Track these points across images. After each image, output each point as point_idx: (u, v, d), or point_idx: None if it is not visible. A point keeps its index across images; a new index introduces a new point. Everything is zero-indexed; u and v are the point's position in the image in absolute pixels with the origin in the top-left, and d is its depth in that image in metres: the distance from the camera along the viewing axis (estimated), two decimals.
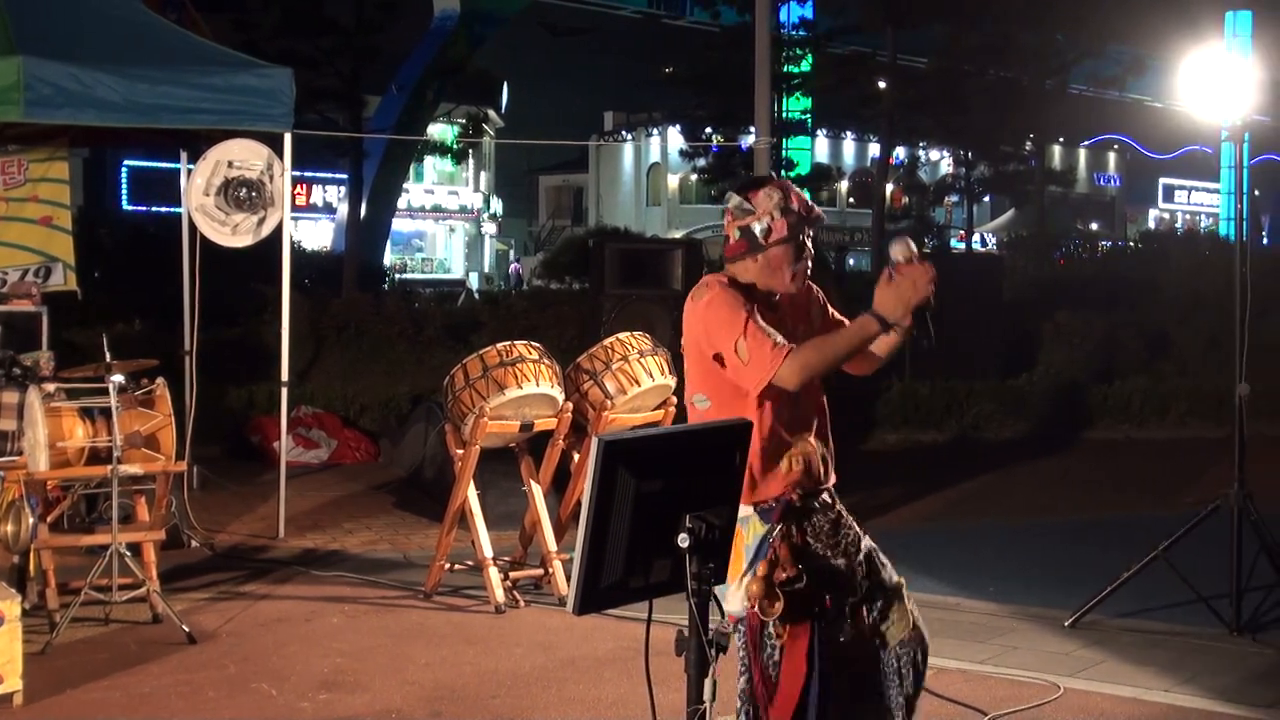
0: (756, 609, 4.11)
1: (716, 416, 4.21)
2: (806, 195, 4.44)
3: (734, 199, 4.33)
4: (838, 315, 4.48)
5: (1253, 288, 7.50)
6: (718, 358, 4.17)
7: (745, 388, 4.17)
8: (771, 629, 4.14)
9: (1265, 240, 46.25)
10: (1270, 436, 13.75)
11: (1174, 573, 7.46)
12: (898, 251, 4.25)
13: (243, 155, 9.77)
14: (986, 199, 45.86)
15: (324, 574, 8.84)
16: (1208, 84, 7.86)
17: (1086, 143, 63.46)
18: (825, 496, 4.37)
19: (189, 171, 10.05)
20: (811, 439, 4.37)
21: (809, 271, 4.37)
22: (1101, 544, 9.53)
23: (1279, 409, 15.46)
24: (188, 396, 10.00)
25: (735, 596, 4.19)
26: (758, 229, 4.26)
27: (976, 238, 43.71)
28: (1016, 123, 33.93)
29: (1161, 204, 72.48)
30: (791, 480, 4.26)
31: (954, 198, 43.83)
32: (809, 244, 4.34)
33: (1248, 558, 7.36)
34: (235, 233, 9.80)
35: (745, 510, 4.16)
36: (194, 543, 9.42)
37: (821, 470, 4.37)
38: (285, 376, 10.16)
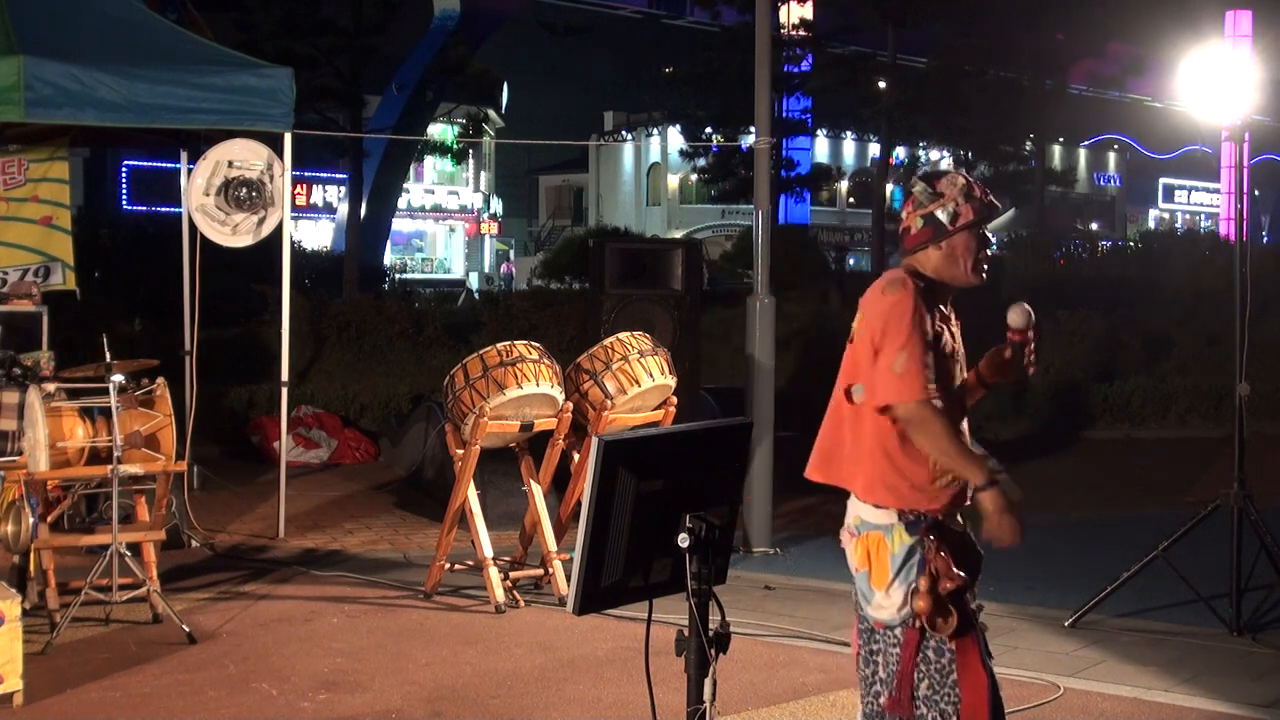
0: (926, 624, 4.01)
1: (872, 412, 4.10)
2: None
3: (919, 185, 4.23)
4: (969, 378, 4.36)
5: (1252, 287, 7.50)
6: (877, 351, 4.05)
7: (871, 394, 4.07)
8: (940, 643, 4.05)
9: (1265, 239, 46.26)
10: (1270, 436, 13.76)
11: (1174, 572, 7.46)
12: (1016, 319, 4.24)
13: (243, 155, 9.77)
14: None
15: (324, 574, 8.83)
16: (1208, 84, 7.86)
17: (1086, 143, 63.48)
18: (960, 518, 4.25)
19: (189, 171, 10.04)
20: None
21: (985, 267, 4.25)
22: (1101, 544, 9.54)
23: (1279, 408, 15.49)
24: (188, 396, 10.00)
25: (886, 605, 4.07)
26: (943, 215, 4.16)
27: None
28: (1016, 122, 33.94)
29: (1161, 204, 72.49)
30: (949, 495, 4.11)
31: None
32: (989, 237, 4.27)
33: (1248, 557, 7.36)
34: (235, 233, 9.80)
35: (887, 516, 4.08)
36: (194, 543, 9.43)
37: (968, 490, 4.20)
38: (285, 376, 10.16)
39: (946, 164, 47.33)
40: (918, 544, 4.05)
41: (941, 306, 4.21)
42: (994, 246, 4.30)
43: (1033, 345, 4.27)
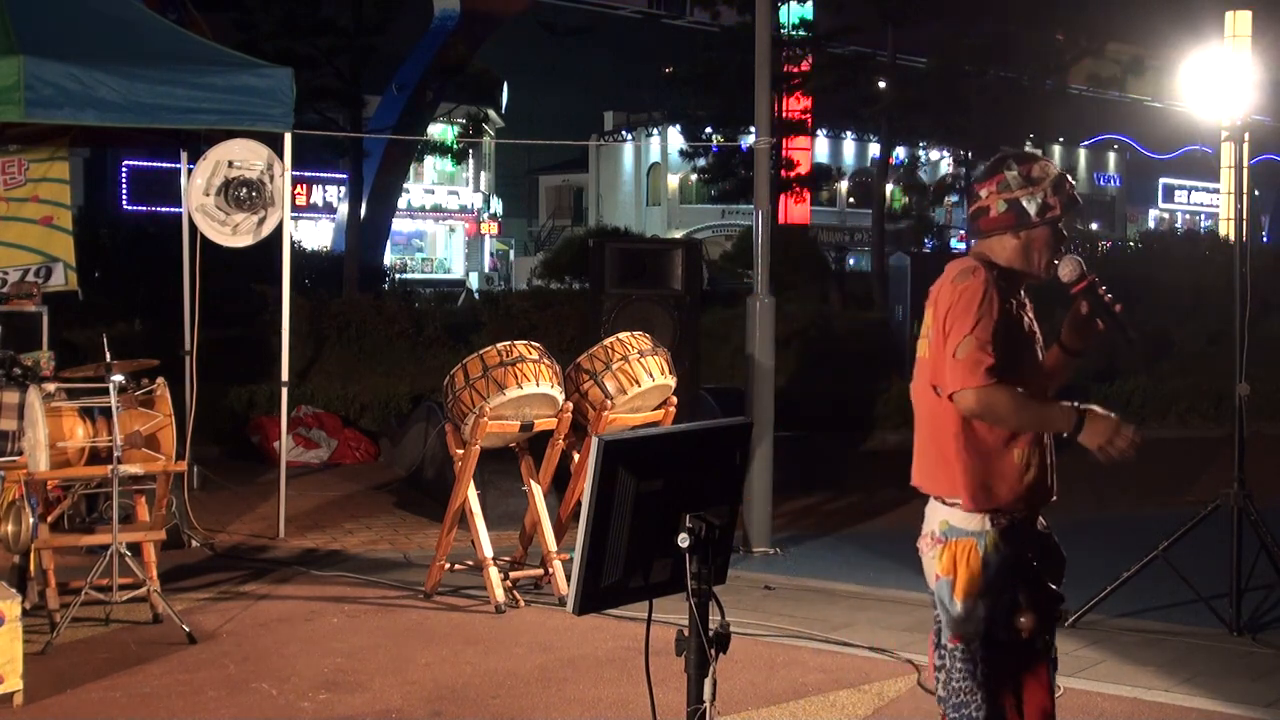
0: (1013, 639, 3.94)
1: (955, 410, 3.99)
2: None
3: (1013, 169, 4.08)
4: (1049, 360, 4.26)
5: (1252, 287, 7.50)
6: (943, 333, 3.96)
7: (939, 384, 3.97)
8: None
9: (1265, 238, 46.25)
10: (1270, 436, 13.77)
11: (1174, 572, 7.46)
12: (1067, 272, 4.10)
13: (243, 155, 9.77)
14: None
15: (324, 574, 8.84)
16: (1208, 84, 7.87)
17: (1086, 143, 63.47)
18: (1041, 518, 4.14)
19: (189, 171, 10.04)
20: (1046, 442, 4.10)
21: (1056, 264, 4.11)
22: (1101, 543, 9.52)
23: (1279, 408, 15.49)
24: (188, 396, 10.00)
25: (971, 618, 3.96)
26: (1030, 205, 4.03)
27: None
28: (1016, 123, 33.89)
29: (1161, 204, 72.46)
30: (1026, 485, 4.00)
31: (954, 198, 43.79)
32: (1065, 234, 4.13)
33: (1248, 557, 7.37)
34: (235, 233, 9.80)
35: (979, 523, 3.96)
36: (194, 543, 9.43)
37: (1052, 482, 4.12)
38: (285, 376, 10.16)
39: (946, 164, 47.41)
40: (1013, 554, 3.94)
41: (1018, 294, 4.10)
42: (1071, 247, 4.15)
43: (1103, 288, 4.14)
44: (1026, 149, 32.48)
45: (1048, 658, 4.08)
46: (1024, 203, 4.04)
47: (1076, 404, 3.94)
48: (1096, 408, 3.93)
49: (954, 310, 3.93)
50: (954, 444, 3.98)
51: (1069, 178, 4.13)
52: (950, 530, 3.98)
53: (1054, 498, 4.10)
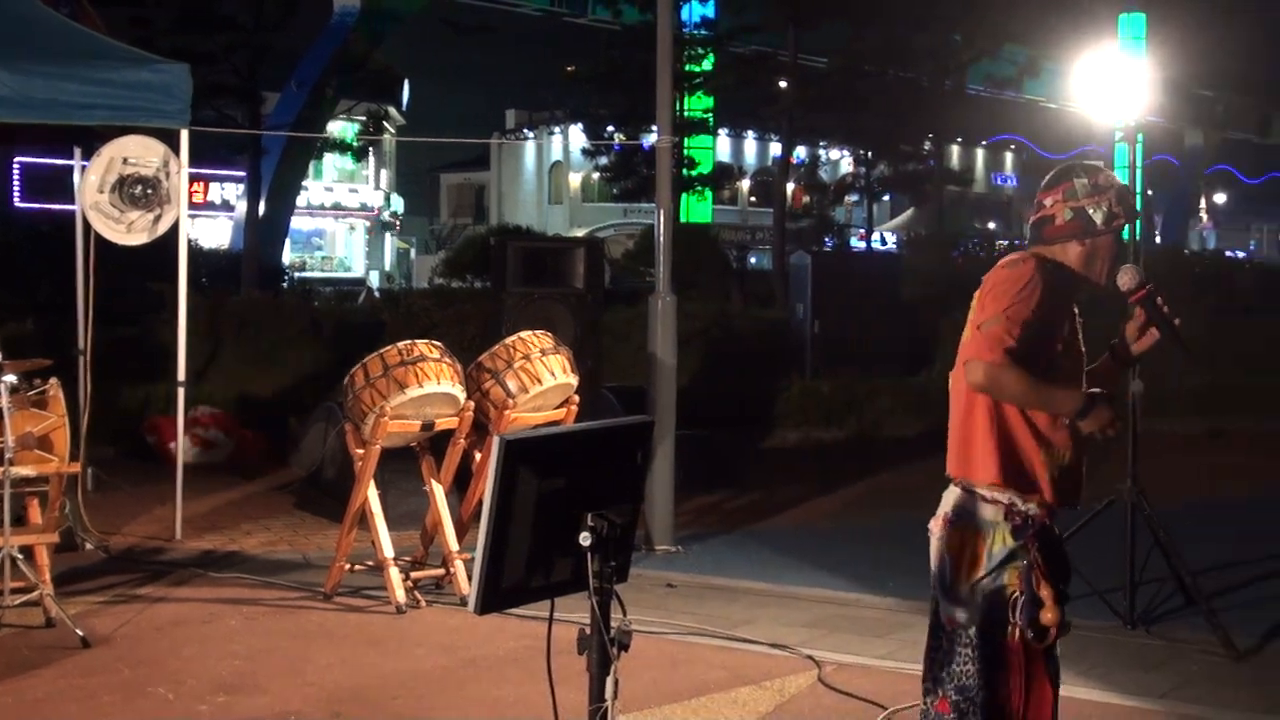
0: (1034, 637, 3.93)
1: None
2: None
3: (1081, 178, 4.09)
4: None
5: None
6: (980, 309, 3.97)
7: (964, 352, 3.99)
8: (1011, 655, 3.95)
9: (1158, 239, 47.08)
10: (1163, 433, 14.00)
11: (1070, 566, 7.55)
12: (1126, 280, 4.15)
13: (138, 152, 9.63)
14: (886, 198, 46.33)
15: (222, 576, 8.74)
16: (1102, 85, 7.99)
17: (984, 142, 64.26)
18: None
19: (83, 168, 9.89)
20: (1076, 440, 4.06)
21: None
22: None
23: (1172, 406, 15.76)
24: (82, 396, 9.83)
25: (968, 603, 3.95)
26: (1097, 214, 4.05)
27: (876, 237, 44.08)
28: (915, 122, 34.24)
29: None
30: (1055, 480, 4.00)
31: (854, 197, 44.18)
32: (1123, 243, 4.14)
33: (1141, 552, 7.48)
34: (130, 230, 9.66)
35: (994, 513, 3.95)
36: (88, 545, 9.28)
37: (1081, 486, 4.11)
38: (182, 376, 10.04)
39: (847, 163, 47.83)
40: (1021, 550, 3.95)
41: (1073, 300, 4.12)
42: (1129, 258, 4.20)
43: (1160, 298, 4.16)
44: (914, 147, 32.60)
45: (1048, 652, 4.09)
46: (1090, 211, 4.08)
47: (1094, 390, 3.98)
48: (1108, 397, 3.97)
49: (995, 290, 3.97)
50: (987, 426, 3.99)
51: (1130, 191, 4.18)
52: (963, 515, 4.00)
53: (1079, 503, 4.13)
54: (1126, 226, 4.16)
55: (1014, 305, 3.91)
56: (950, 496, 4.06)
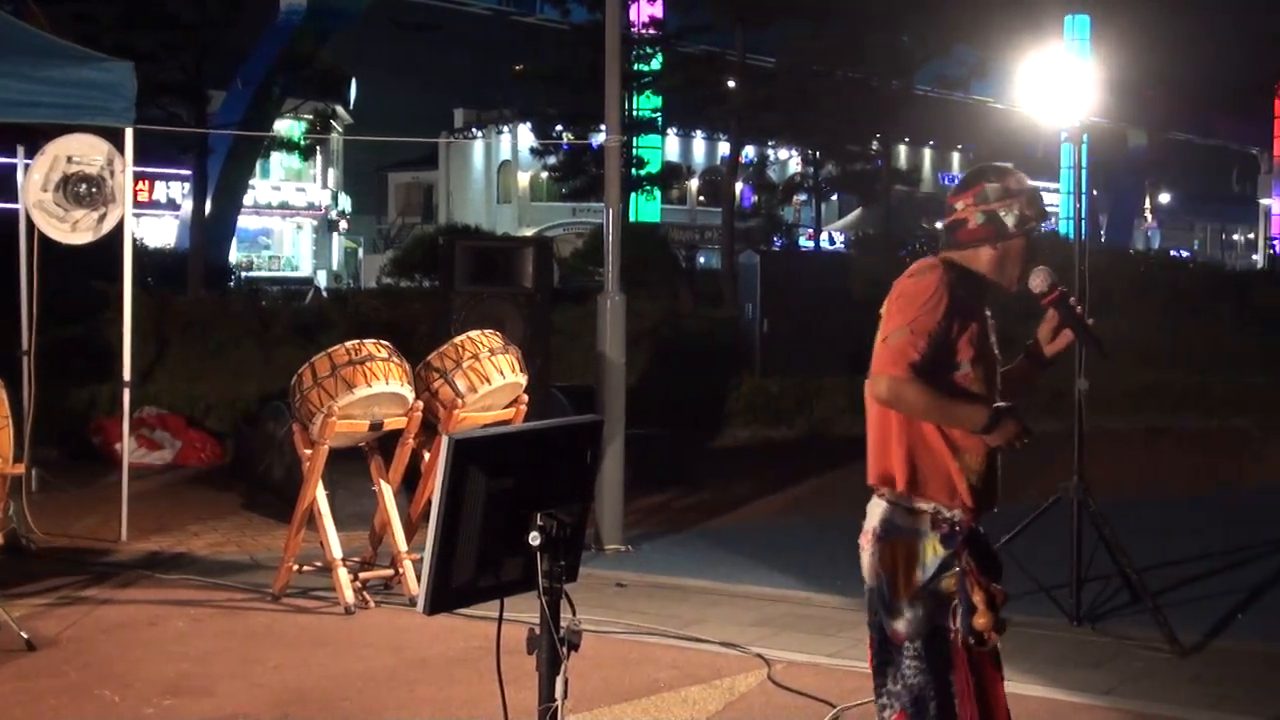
0: (973, 642, 3.90)
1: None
2: None
3: (994, 182, 4.07)
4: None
5: (1091, 284, 7.67)
6: (887, 318, 3.94)
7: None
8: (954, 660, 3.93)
9: (1103, 238, 47.48)
10: (1109, 430, 14.11)
11: (1016, 564, 7.59)
12: (1038, 282, 4.16)
13: (82, 150, 9.55)
14: (834, 198, 46.54)
15: (169, 577, 8.68)
16: (1047, 86, 8.04)
17: (932, 143, 64.59)
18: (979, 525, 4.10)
19: (26, 167, 9.80)
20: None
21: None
22: None
23: (1117, 403, 15.89)
24: (26, 397, 9.75)
25: (908, 617, 3.92)
26: (1010, 217, 4.04)
27: (825, 236, 44.27)
28: (863, 123, 34.40)
29: None
30: (972, 487, 3.97)
31: (803, 196, 44.33)
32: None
33: (1087, 549, 7.54)
34: (75, 229, 9.58)
35: (920, 522, 3.93)
36: (33, 547, 9.20)
37: (998, 488, 4.08)
38: (128, 376, 9.97)
39: (795, 163, 47.97)
40: (952, 558, 3.93)
41: (985, 304, 4.11)
42: (1036, 259, 4.18)
43: (1073, 298, 4.17)
44: (862, 147, 32.73)
45: (992, 651, 4.09)
46: (1001, 214, 4.07)
47: (999, 405, 3.96)
48: (1013, 410, 3.96)
49: (900, 300, 3.95)
50: (901, 436, 3.97)
51: (1039, 193, 4.18)
52: (891, 529, 3.97)
53: (995, 507, 4.10)
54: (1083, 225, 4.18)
55: (919, 317, 3.89)
56: (875, 509, 4.03)
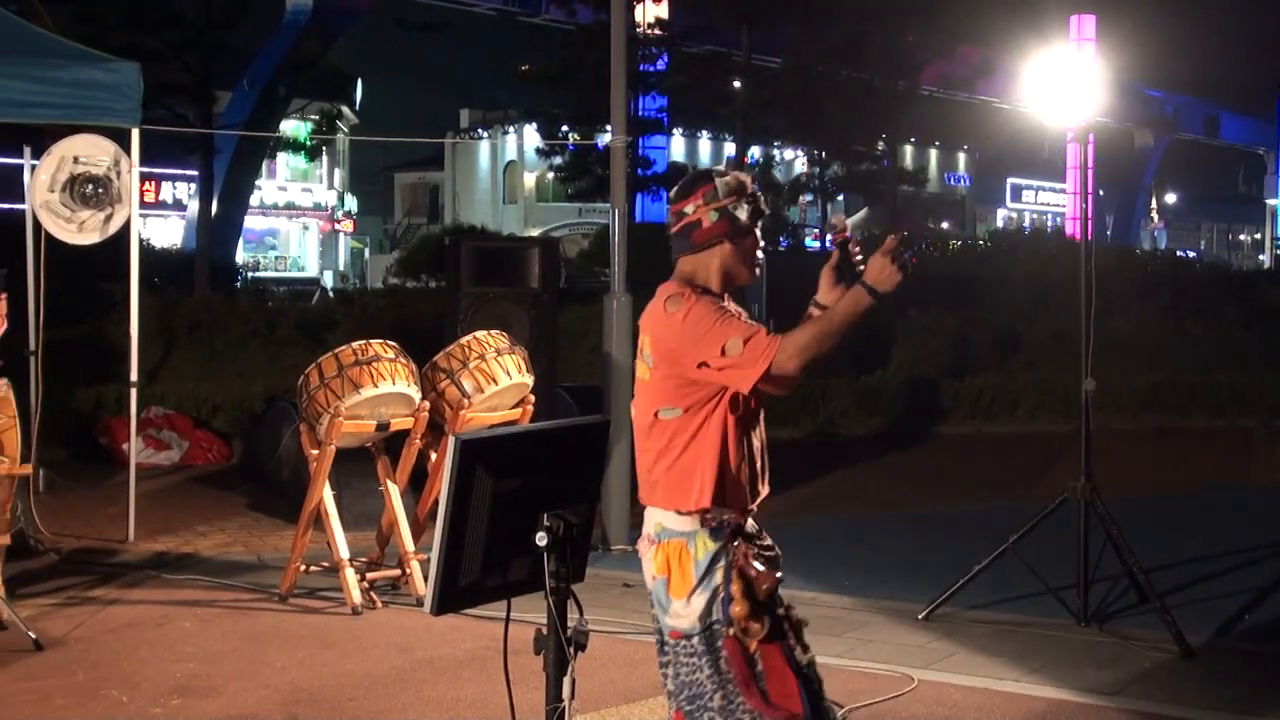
0: (738, 631, 3.92)
1: (686, 426, 3.98)
2: None
3: (723, 181, 4.10)
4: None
5: (1097, 285, 7.67)
6: (703, 365, 3.92)
7: (739, 386, 3.93)
8: (753, 649, 3.96)
9: (1109, 238, 47.45)
10: (1116, 430, 14.12)
11: (1024, 565, 7.60)
12: (836, 220, 4.26)
13: (88, 151, 9.56)
14: (840, 198, 46.49)
15: (176, 577, 8.69)
16: (1053, 86, 8.02)
17: (938, 143, 64.55)
18: (753, 520, 4.16)
19: (33, 167, 9.81)
20: (756, 447, 4.14)
21: (759, 267, 4.20)
22: (954, 537, 9.69)
23: (1124, 403, 15.89)
24: (33, 398, 9.76)
25: (685, 614, 3.96)
26: (741, 212, 4.07)
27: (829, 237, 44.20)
28: (869, 123, 34.38)
29: (1010, 203, 74.00)
30: (734, 488, 4.02)
31: (808, 196, 44.31)
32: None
33: (1094, 549, 7.53)
34: (81, 230, 9.59)
35: (690, 523, 3.97)
36: (41, 547, 9.21)
37: (760, 485, 4.15)
38: (135, 376, 9.98)
39: (801, 163, 47.95)
40: (722, 550, 3.97)
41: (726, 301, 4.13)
42: (762, 248, 4.21)
43: (855, 243, 4.18)
44: (868, 147, 32.65)
45: (783, 636, 4.09)
46: (733, 209, 4.09)
47: (851, 284, 4.00)
48: (866, 269, 3.99)
49: (691, 337, 3.95)
50: (684, 455, 3.99)
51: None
52: (664, 532, 4.02)
53: (757, 503, 4.13)
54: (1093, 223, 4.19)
55: (720, 323, 3.92)
56: (650, 515, 4.08)
